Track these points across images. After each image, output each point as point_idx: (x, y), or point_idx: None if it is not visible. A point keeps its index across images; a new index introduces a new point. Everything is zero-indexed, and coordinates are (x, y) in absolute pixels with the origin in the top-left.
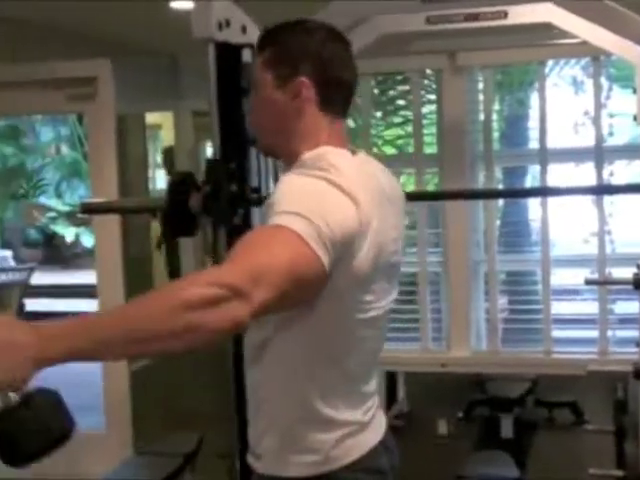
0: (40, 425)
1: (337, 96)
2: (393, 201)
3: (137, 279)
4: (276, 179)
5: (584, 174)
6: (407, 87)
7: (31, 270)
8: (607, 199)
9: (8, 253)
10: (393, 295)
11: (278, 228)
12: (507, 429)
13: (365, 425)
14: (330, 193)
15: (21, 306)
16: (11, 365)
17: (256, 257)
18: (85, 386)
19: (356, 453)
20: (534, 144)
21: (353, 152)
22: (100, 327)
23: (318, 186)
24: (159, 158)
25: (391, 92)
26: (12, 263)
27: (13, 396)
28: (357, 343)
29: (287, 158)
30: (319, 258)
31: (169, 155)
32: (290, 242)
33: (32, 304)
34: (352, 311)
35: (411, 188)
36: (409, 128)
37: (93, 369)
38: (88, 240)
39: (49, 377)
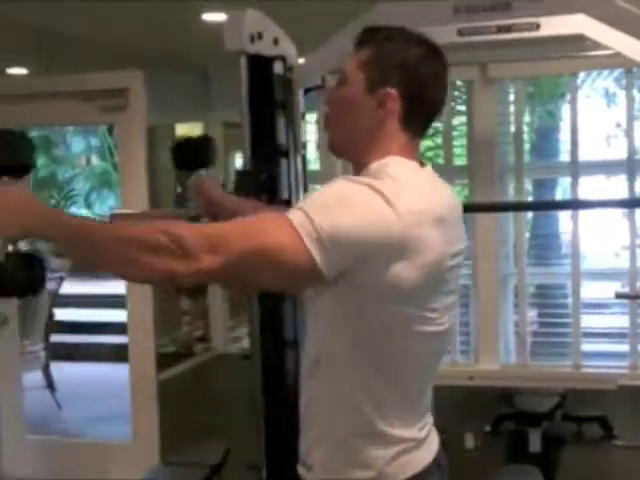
0: (16, 276)
1: (421, 115)
2: (456, 217)
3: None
4: (306, 191)
5: (615, 187)
6: None
7: (61, 279)
8: (639, 212)
9: None
10: (454, 310)
11: (276, 216)
12: (535, 443)
13: (421, 442)
14: (365, 198)
15: (51, 315)
16: (3, 223)
17: (229, 229)
18: (112, 397)
19: (410, 470)
20: (565, 156)
21: (422, 164)
22: (74, 228)
23: (354, 192)
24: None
25: None
26: None
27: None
28: (415, 359)
29: (356, 164)
30: (308, 251)
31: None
32: (277, 228)
33: (62, 313)
34: (409, 326)
35: None
36: (439, 139)
37: (121, 380)
38: None
39: (78, 387)
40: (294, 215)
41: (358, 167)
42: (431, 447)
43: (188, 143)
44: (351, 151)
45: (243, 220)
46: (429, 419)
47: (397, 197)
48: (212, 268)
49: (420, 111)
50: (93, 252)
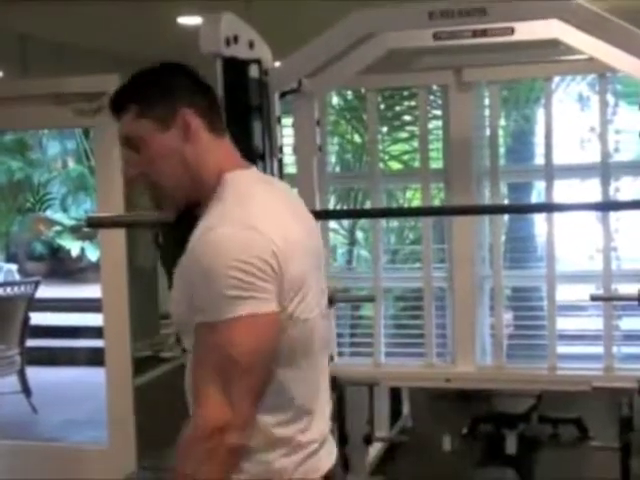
0: None
1: (211, 109)
2: (299, 210)
3: (142, 293)
4: None
5: (590, 190)
6: (413, 103)
7: (36, 284)
8: (613, 215)
9: (13, 266)
10: (325, 297)
11: (230, 328)
12: (511, 445)
13: (321, 444)
14: (252, 240)
15: (26, 320)
16: None
17: (226, 383)
18: (89, 401)
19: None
20: (540, 160)
21: (247, 167)
22: None
23: (240, 238)
24: None
25: (397, 107)
26: (17, 277)
27: None
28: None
29: (201, 196)
30: (273, 311)
31: None
32: (249, 332)
33: (37, 318)
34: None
35: (417, 203)
36: (415, 143)
37: (98, 383)
38: (93, 254)
39: (54, 392)
40: (237, 309)
41: (205, 197)
42: (328, 456)
43: None
44: (193, 192)
45: (225, 369)
46: (327, 427)
47: (258, 223)
48: (247, 411)
49: (209, 107)
50: None
